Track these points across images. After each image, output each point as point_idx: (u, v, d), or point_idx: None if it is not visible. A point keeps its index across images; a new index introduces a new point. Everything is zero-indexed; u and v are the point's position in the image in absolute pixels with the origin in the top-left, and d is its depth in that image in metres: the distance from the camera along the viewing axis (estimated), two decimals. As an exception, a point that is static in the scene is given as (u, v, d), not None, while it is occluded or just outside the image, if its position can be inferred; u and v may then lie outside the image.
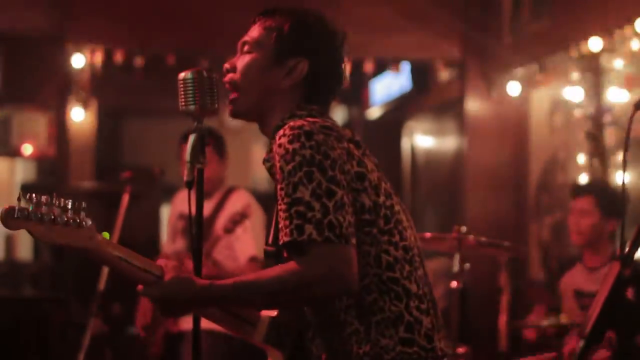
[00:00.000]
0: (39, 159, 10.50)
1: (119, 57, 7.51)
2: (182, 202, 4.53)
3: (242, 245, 4.47)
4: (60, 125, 8.23)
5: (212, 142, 4.60)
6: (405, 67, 8.85)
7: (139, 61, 7.57)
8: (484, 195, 7.50)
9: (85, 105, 7.95)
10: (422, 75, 8.74)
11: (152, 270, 2.26)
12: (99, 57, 7.61)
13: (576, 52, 6.16)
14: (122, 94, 9.16)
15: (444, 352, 2.20)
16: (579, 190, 4.81)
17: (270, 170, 2.19)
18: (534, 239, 6.95)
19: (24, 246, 10.93)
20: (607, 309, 1.87)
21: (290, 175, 2.03)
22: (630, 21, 5.53)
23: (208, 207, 4.53)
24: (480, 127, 7.74)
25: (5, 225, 2.06)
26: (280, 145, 2.07)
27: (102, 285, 4.51)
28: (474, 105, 7.82)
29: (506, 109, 7.48)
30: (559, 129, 6.67)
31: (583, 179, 6.06)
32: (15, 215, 2.07)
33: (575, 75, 6.27)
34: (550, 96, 6.79)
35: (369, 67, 7.97)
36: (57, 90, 7.86)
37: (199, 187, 2.28)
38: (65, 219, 2.12)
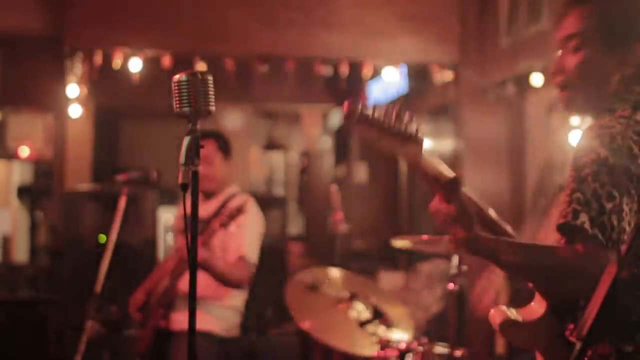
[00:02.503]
0: (36, 161, 10.51)
1: (116, 59, 7.51)
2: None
3: (234, 243, 4.47)
4: (57, 127, 8.23)
5: (217, 142, 4.61)
6: (402, 69, 8.85)
7: (136, 63, 7.57)
8: (480, 198, 7.51)
9: (82, 108, 7.94)
10: (418, 77, 8.74)
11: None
12: (96, 60, 7.61)
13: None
14: (119, 96, 9.15)
15: None
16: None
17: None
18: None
19: (21, 248, 10.93)
20: (604, 311, 1.86)
21: (580, 168, 2.07)
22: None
23: (210, 207, 4.53)
24: (476, 129, 7.75)
25: (349, 117, 2.18)
26: (584, 136, 2.11)
27: (98, 287, 4.51)
28: (470, 107, 7.82)
29: (503, 111, 7.49)
30: (556, 131, 6.68)
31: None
32: (358, 113, 2.18)
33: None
34: (546, 98, 6.80)
35: (366, 69, 7.97)
36: (54, 92, 7.85)
37: (194, 188, 2.29)
38: (399, 128, 2.22)
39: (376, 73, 8.22)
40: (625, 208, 2.05)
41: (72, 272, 7.36)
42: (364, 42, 7.71)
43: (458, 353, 4.20)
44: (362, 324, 4.69)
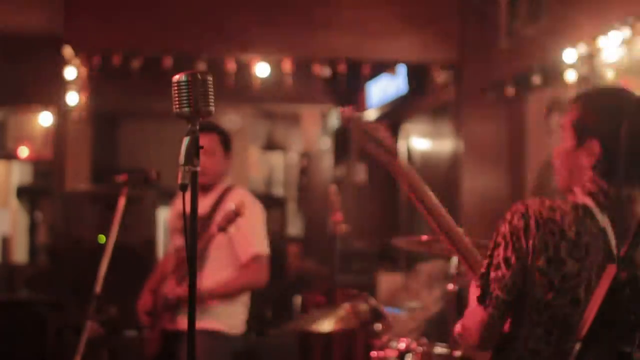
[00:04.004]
0: (36, 162, 10.52)
1: (115, 59, 7.51)
2: (181, 202, 4.51)
3: (243, 244, 4.46)
4: (56, 127, 8.23)
5: (220, 136, 4.62)
6: (401, 69, 8.86)
7: (135, 64, 7.57)
8: (480, 198, 7.51)
9: (81, 108, 7.94)
10: (418, 77, 8.74)
11: None
12: (95, 60, 7.61)
13: (572, 55, 6.17)
14: (118, 97, 9.16)
15: None
16: None
17: None
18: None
19: (20, 248, 10.93)
20: (604, 311, 1.86)
21: (495, 234, 2.39)
22: (626, 22, 5.54)
23: (206, 203, 4.53)
24: (476, 129, 7.75)
25: (345, 121, 2.74)
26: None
27: (98, 287, 4.50)
28: (470, 107, 7.82)
29: (503, 111, 7.49)
30: (556, 131, 6.68)
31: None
32: (353, 119, 2.71)
33: (571, 77, 6.28)
34: (546, 98, 6.80)
35: (365, 69, 7.98)
36: (54, 92, 7.86)
37: (193, 189, 2.28)
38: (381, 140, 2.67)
39: (376, 73, 8.23)
40: (508, 278, 2.33)
41: (71, 272, 7.35)
42: (363, 42, 7.72)
43: (457, 353, 4.20)
44: (364, 324, 4.69)
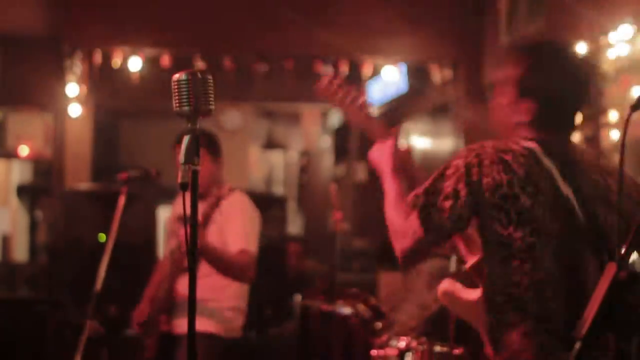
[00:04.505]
0: (36, 160, 10.52)
1: (116, 58, 7.51)
2: (181, 205, 4.49)
3: (232, 237, 4.46)
4: (57, 126, 8.22)
5: (204, 143, 4.58)
6: (401, 68, 8.85)
7: (136, 62, 7.57)
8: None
9: (82, 107, 7.94)
10: (418, 76, 8.74)
11: None
12: (95, 59, 7.61)
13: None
14: (118, 96, 9.15)
15: None
16: None
17: None
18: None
19: (20, 247, 10.93)
20: (603, 311, 1.87)
21: (445, 166, 2.49)
22: (626, 21, 5.54)
23: (202, 208, 4.52)
24: (476, 128, 7.74)
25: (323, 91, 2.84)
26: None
27: (98, 286, 4.50)
28: (469, 106, 7.81)
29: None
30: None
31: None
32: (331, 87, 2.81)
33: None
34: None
35: (365, 68, 7.97)
36: (54, 91, 7.85)
37: (193, 188, 2.28)
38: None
39: (376, 72, 8.23)
40: (452, 207, 2.41)
41: (71, 271, 7.36)
42: (363, 41, 7.72)
43: (457, 352, 4.20)
44: (364, 323, 4.69)
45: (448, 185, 2.41)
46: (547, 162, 2.45)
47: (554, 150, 2.48)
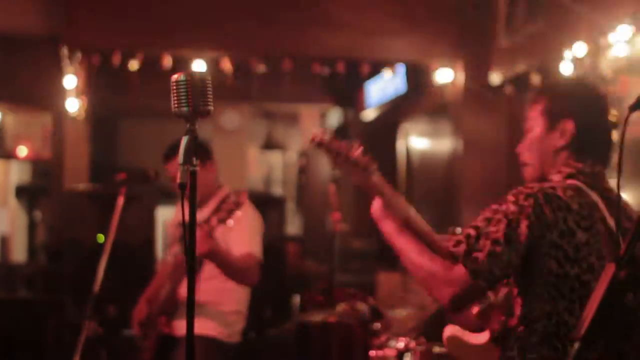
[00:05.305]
0: (34, 161, 10.51)
1: (114, 59, 7.50)
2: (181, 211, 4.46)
3: (238, 240, 4.44)
4: (55, 127, 8.22)
5: None
6: (400, 69, 8.86)
7: (134, 63, 7.57)
8: (479, 197, 7.51)
9: (80, 108, 7.94)
10: (417, 77, 8.74)
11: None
12: (94, 60, 7.61)
13: (571, 54, 6.17)
14: (117, 96, 9.15)
15: None
16: None
17: None
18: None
19: (19, 248, 10.93)
20: (603, 311, 1.86)
21: (492, 211, 2.44)
22: (626, 21, 5.54)
23: (205, 212, 4.51)
24: (475, 129, 7.75)
25: (316, 144, 2.71)
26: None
27: (97, 287, 4.50)
28: (469, 107, 7.82)
29: (501, 111, 7.49)
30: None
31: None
32: (324, 142, 2.71)
33: (570, 77, 6.27)
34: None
35: (364, 69, 7.98)
36: (52, 92, 7.85)
37: (192, 189, 2.27)
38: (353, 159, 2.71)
39: (374, 72, 8.23)
40: (504, 256, 2.35)
41: (70, 271, 7.35)
42: (362, 42, 7.71)
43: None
44: (363, 323, 4.69)
45: (497, 231, 2.37)
46: (594, 196, 2.43)
47: (596, 184, 2.46)
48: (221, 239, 4.39)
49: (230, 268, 4.36)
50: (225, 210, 4.21)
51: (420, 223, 2.66)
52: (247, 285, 4.56)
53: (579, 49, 6.05)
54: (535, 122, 2.63)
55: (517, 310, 2.44)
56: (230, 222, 4.24)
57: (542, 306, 2.37)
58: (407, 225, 2.64)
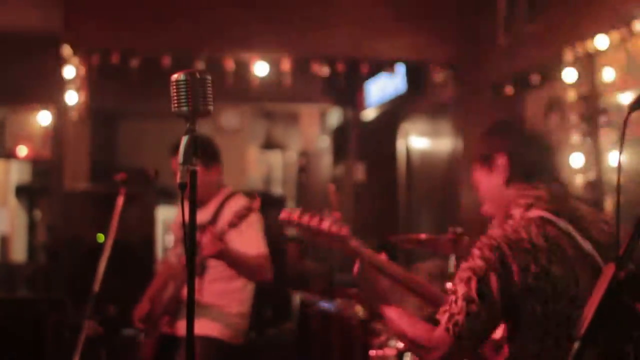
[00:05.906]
0: (34, 161, 10.50)
1: (114, 58, 7.50)
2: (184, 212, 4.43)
3: (250, 242, 4.44)
4: (55, 126, 8.22)
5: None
6: (400, 68, 8.86)
7: (134, 63, 7.57)
8: (479, 197, 7.51)
9: (80, 107, 7.93)
10: (416, 76, 8.74)
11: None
12: (94, 59, 7.60)
13: (571, 54, 6.17)
14: (117, 96, 9.15)
15: None
16: None
17: None
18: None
19: (19, 248, 10.93)
20: (602, 311, 1.86)
21: (462, 270, 2.43)
22: (625, 22, 5.54)
23: (206, 214, 4.51)
24: (475, 128, 7.74)
25: (286, 223, 2.74)
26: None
27: (96, 286, 4.50)
28: (468, 106, 7.82)
29: (501, 110, 7.49)
30: (554, 130, 6.68)
31: (578, 179, 6.07)
32: (293, 220, 2.73)
33: (569, 76, 6.28)
34: (545, 97, 6.80)
35: (364, 68, 7.97)
36: (52, 91, 7.85)
37: (192, 189, 2.28)
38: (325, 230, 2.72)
39: (374, 72, 8.23)
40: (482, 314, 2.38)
41: (70, 271, 7.35)
42: (362, 41, 7.71)
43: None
44: (363, 323, 4.69)
45: (470, 290, 2.38)
46: (562, 223, 2.43)
47: (561, 208, 2.47)
48: (231, 240, 4.38)
49: (242, 267, 4.38)
50: (237, 217, 4.20)
51: (407, 276, 2.74)
52: (263, 281, 4.56)
53: (579, 48, 6.05)
54: (478, 177, 2.67)
55: (506, 350, 2.46)
56: (244, 226, 4.24)
57: (530, 346, 2.40)
58: (395, 282, 2.69)
